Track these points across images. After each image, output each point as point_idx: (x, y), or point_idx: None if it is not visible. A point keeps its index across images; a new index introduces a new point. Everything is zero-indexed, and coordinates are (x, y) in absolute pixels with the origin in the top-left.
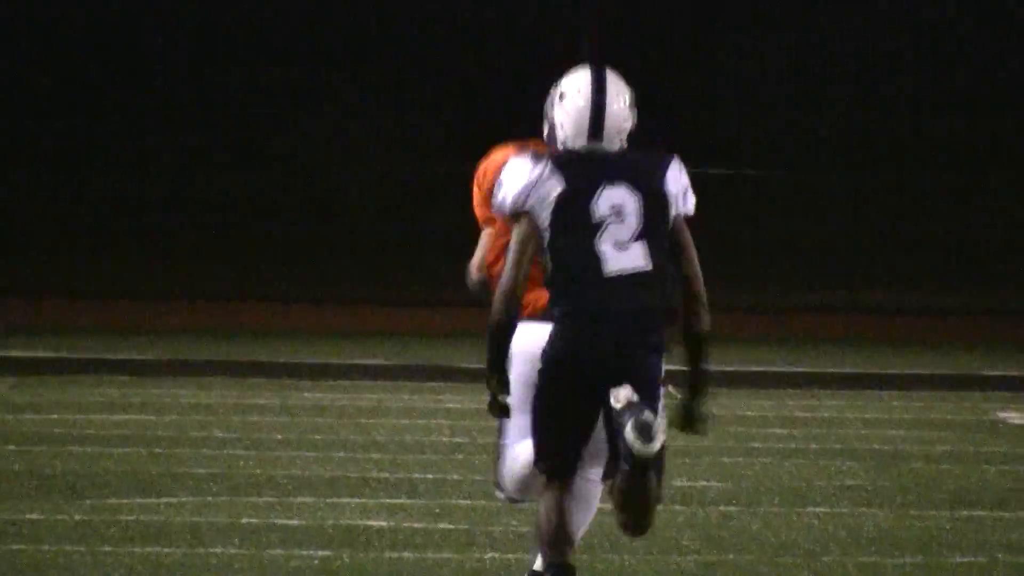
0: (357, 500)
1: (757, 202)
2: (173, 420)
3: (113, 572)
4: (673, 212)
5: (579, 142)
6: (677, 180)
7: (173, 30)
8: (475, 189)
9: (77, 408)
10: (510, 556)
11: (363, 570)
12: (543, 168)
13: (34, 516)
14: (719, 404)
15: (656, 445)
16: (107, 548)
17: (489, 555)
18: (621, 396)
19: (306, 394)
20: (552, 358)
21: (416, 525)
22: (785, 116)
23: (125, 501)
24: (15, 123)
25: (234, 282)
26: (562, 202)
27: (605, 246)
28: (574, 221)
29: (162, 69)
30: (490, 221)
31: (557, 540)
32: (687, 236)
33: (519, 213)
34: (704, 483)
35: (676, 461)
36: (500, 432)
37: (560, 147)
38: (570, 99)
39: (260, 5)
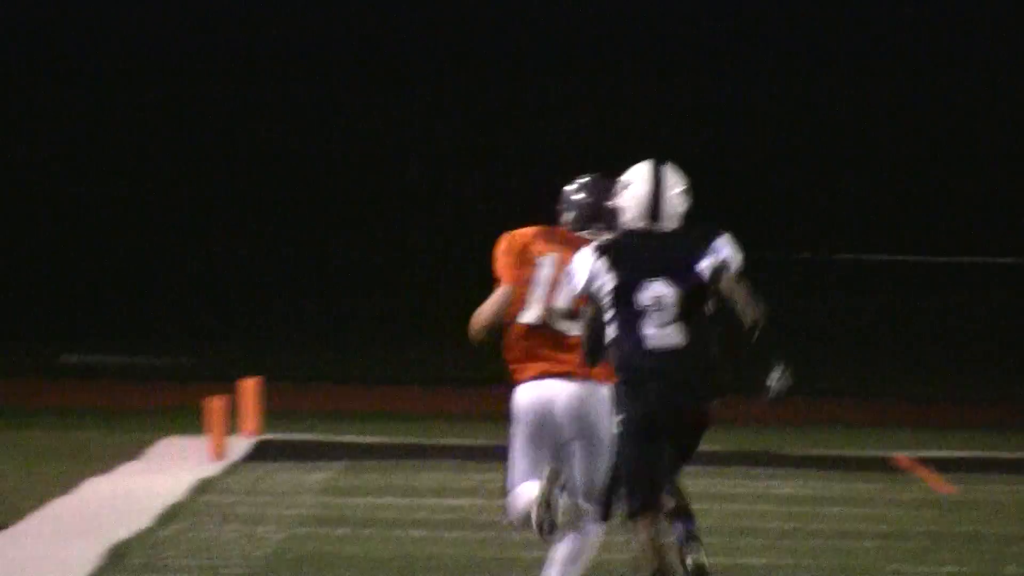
0: None
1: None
2: (497, 504)
3: None
4: (710, 276)
5: (640, 224)
6: (716, 254)
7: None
8: (499, 254)
9: (407, 492)
10: None
11: None
12: (600, 263)
13: None
14: None
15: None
16: None
17: None
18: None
19: None
20: (626, 418)
21: None
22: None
23: None
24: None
25: None
26: (615, 294)
27: (649, 329)
28: (625, 308)
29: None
30: (510, 280)
31: (662, 569)
32: (731, 284)
33: (585, 296)
34: None
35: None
36: (507, 473)
37: (624, 227)
38: (633, 188)
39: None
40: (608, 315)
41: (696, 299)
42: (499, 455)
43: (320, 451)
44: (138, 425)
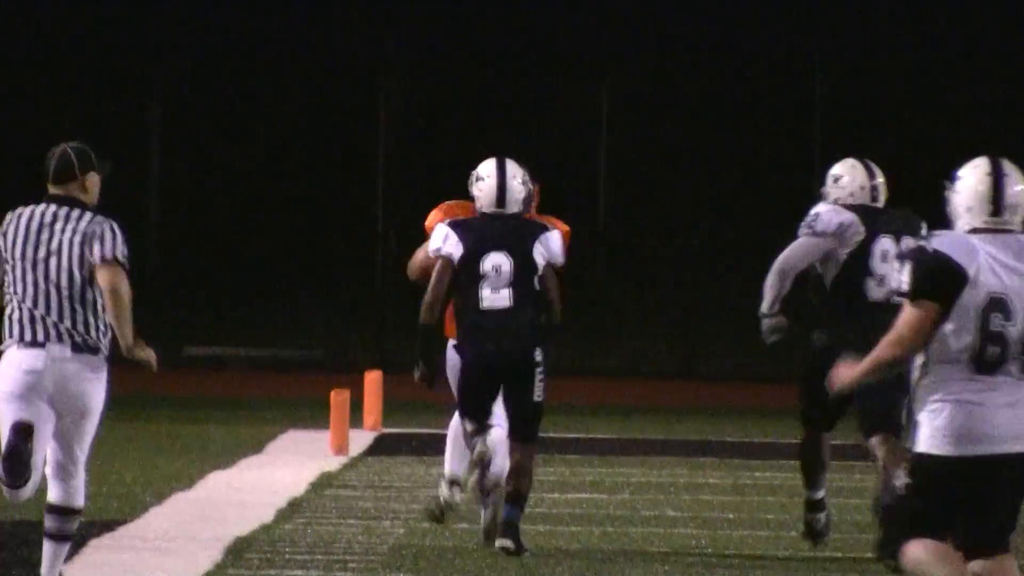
0: None
1: None
2: (624, 499)
3: None
4: (540, 266)
5: (491, 209)
6: (546, 246)
7: None
8: (430, 218)
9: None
10: None
11: None
12: (453, 235)
13: None
14: None
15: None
16: None
17: None
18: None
19: (756, 473)
20: (463, 364)
21: None
22: None
23: None
24: None
25: (681, 361)
26: (462, 261)
27: (485, 291)
28: (469, 273)
29: None
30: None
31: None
32: (551, 281)
33: (439, 256)
34: None
35: None
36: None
37: (479, 212)
38: (483, 180)
39: None
40: (457, 279)
41: (526, 271)
42: (625, 449)
43: (441, 445)
44: (260, 418)
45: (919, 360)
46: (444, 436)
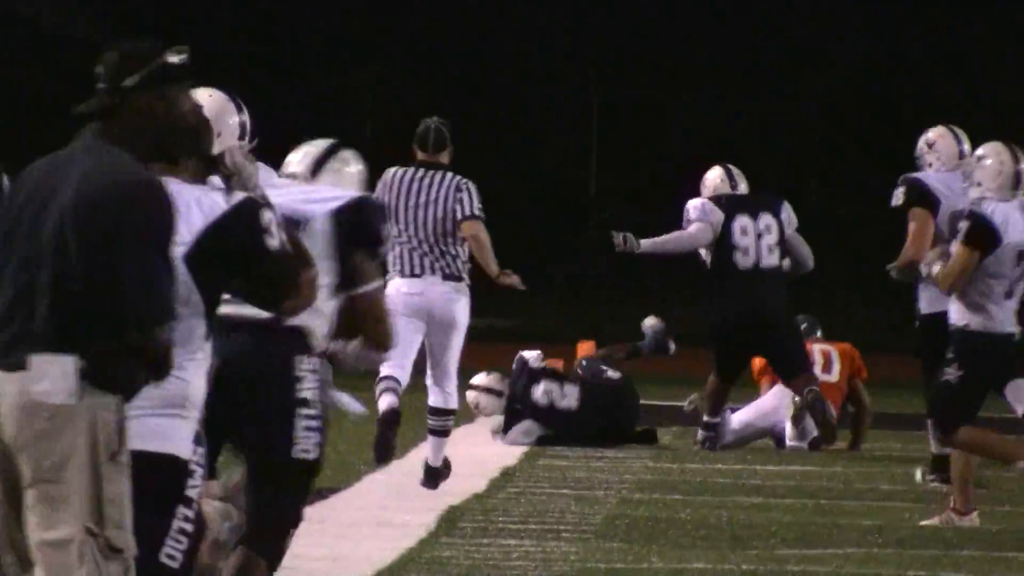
0: (1023, 555)
1: None
2: (837, 472)
3: None
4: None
5: None
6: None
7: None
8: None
9: (739, 459)
10: None
11: None
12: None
13: (700, 565)
14: None
15: None
16: None
17: None
18: None
19: None
20: None
21: None
22: None
23: (792, 552)
24: None
25: (871, 334)
26: None
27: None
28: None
29: None
30: None
31: None
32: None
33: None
34: None
35: None
36: None
37: None
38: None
39: None
40: None
41: None
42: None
43: (647, 416)
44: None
45: None
46: (652, 407)
